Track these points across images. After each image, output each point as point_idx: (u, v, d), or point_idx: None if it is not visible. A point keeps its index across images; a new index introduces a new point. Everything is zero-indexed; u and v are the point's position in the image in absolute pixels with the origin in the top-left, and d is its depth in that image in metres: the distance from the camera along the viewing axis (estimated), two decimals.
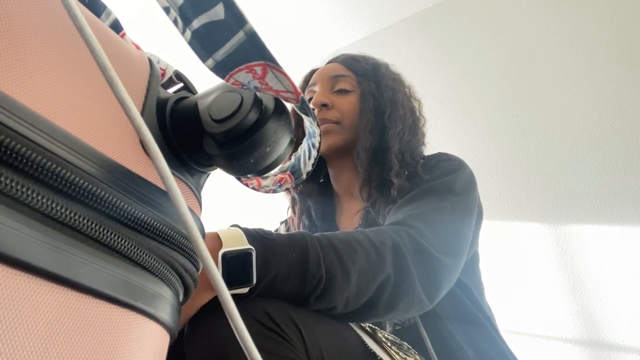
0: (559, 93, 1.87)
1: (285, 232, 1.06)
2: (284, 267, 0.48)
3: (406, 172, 0.83)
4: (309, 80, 1.01)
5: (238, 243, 0.46)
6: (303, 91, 1.02)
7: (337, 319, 0.55)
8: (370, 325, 0.65)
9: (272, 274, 0.48)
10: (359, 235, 0.57)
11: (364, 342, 0.56)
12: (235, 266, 0.45)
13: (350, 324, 0.58)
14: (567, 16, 1.91)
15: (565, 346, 1.63)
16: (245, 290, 0.47)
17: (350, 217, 0.94)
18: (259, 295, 0.48)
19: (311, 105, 0.93)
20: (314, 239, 0.53)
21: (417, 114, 0.96)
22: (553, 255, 1.73)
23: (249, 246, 0.46)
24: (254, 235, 0.49)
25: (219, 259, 0.45)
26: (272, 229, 1.11)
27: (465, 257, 0.73)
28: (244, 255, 0.46)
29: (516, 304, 1.75)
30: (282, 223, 1.09)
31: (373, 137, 0.88)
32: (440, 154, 0.88)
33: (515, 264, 1.79)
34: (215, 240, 0.46)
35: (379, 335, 0.62)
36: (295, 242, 0.51)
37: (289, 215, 1.06)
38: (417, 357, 0.64)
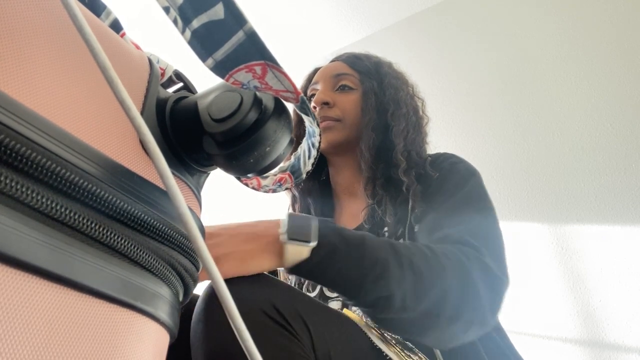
0: (559, 93, 1.87)
1: None
2: (344, 243, 0.51)
3: (414, 172, 0.83)
4: (312, 79, 1.01)
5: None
6: (306, 89, 1.02)
7: (399, 330, 0.55)
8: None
9: (333, 247, 0.51)
10: (421, 245, 0.58)
11: (370, 339, 0.56)
12: (297, 223, 0.50)
13: (356, 322, 0.58)
14: (567, 16, 1.91)
15: (565, 346, 1.63)
16: (305, 248, 0.49)
17: (349, 216, 0.94)
18: (318, 263, 0.50)
19: (313, 103, 0.93)
20: (370, 234, 0.56)
21: (420, 112, 0.96)
22: (553, 255, 1.73)
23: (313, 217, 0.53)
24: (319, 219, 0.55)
25: (285, 217, 0.50)
26: None
27: None
28: (306, 218, 0.52)
29: (516, 304, 1.75)
30: None
31: (376, 135, 0.88)
32: (447, 154, 0.87)
33: (515, 264, 1.79)
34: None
35: (386, 334, 0.62)
36: (358, 232, 0.55)
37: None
38: (419, 356, 0.64)
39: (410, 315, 0.52)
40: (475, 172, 0.81)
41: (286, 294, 0.50)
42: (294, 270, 0.51)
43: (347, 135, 0.91)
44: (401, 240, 0.76)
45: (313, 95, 0.97)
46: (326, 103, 0.92)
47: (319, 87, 0.96)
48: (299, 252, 0.50)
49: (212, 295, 0.48)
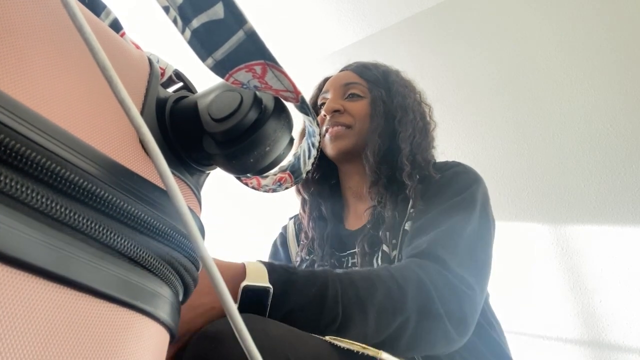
0: (559, 93, 1.87)
1: (294, 228, 1.07)
2: (302, 301, 0.52)
3: (418, 176, 0.84)
4: (322, 88, 1.05)
5: (260, 278, 0.51)
6: (316, 98, 1.06)
7: None
8: None
9: (290, 306, 0.51)
10: (382, 272, 0.59)
11: None
12: (252, 300, 0.50)
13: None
14: (567, 17, 1.91)
15: (565, 346, 1.63)
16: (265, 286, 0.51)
17: (355, 218, 0.98)
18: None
19: (323, 112, 0.97)
20: (335, 276, 0.55)
21: (428, 118, 0.99)
22: (553, 255, 1.73)
23: (269, 285, 0.51)
24: (277, 270, 0.53)
25: (239, 290, 0.49)
26: (276, 227, 1.12)
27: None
28: (262, 291, 0.51)
29: (516, 304, 1.75)
30: (291, 219, 1.12)
31: (382, 141, 0.91)
32: (455, 163, 0.89)
33: (515, 264, 1.79)
34: (239, 271, 0.51)
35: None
36: (317, 278, 0.54)
37: (300, 214, 1.08)
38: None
39: (369, 343, 0.53)
40: (478, 180, 0.83)
41: (274, 340, 0.46)
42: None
43: (355, 141, 0.93)
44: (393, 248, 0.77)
45: (323, 104, 1.01)
46: (337, 110, 0.95)
47: (329, 95, 1.00)
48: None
49: (199, 355, 0.44)
